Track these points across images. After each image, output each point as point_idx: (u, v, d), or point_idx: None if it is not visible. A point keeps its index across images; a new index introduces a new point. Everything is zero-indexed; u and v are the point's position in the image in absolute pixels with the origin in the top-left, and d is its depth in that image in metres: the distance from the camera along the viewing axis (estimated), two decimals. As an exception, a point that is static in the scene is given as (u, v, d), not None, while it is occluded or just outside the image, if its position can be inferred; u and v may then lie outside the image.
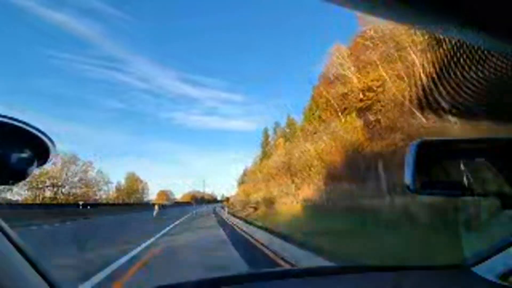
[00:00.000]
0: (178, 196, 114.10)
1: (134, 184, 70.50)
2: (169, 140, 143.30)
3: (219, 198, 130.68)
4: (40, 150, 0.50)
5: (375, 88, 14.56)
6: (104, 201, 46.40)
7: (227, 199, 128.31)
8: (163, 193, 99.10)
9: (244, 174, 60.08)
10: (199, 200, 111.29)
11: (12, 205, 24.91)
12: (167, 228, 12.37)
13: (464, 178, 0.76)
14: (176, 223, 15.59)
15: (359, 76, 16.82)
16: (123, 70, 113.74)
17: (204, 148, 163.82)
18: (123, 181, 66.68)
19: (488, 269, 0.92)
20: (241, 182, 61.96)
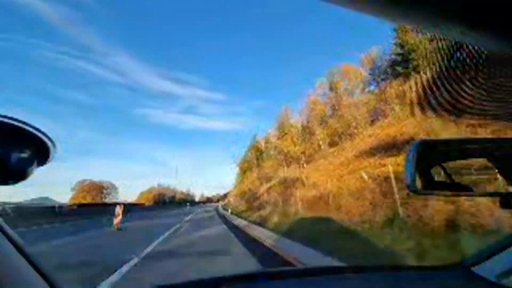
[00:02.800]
0: (133, 196, 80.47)
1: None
2: (144, 138, 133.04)
3: (197, 199, 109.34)
4: (40, 150, 0.50)
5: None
6: None
7: (208, 199, 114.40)
8: (92, 187, 58.40)
9: (256, 148, 38.69)
10: (164, 201, 73.47)
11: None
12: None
13: (464, 178, 0.76)
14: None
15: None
16: (96, 61, 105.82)
17: (182, 148, 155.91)
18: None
19: (488, 269, 0.92)
20: (246, 169, 40.39)
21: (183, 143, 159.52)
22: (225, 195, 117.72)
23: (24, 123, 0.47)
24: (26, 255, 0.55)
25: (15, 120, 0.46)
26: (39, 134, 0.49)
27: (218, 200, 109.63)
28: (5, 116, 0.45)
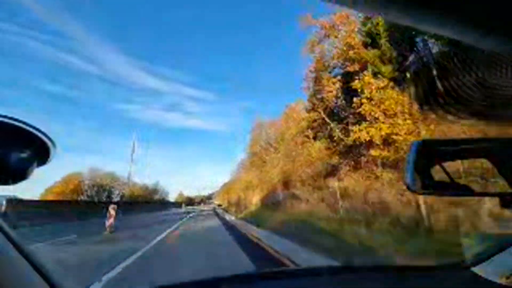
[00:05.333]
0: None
1: None
2: (120, 134, 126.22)
3: (173, 198, 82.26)
4: (40, 150, 0.50)
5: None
6: None
7: (189, 199, 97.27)
8: None
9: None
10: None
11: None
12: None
13: (464, 178, 0.76)
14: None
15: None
16: (71, 50, 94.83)
17: (163, 146, 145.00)
18: None
19: (488, 269, 0.92)
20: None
21: (164, 141, 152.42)
22: (209, 196, 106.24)
23: (24, 123, 0.47)
24: (26, 255, 0.55)
25: (15, 120, 0.46)
26: (39, 134, 0.49)
27: (202, 201, 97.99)
28: (5, 116, 0.45)
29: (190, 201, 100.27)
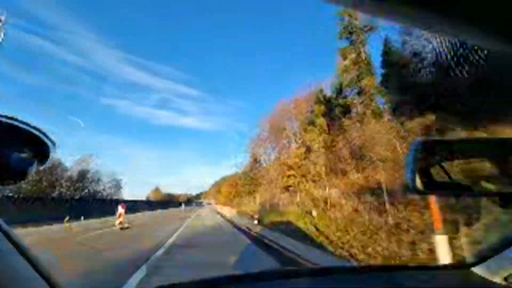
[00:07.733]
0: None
1: None
2: (108, 131, 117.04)
3: (138, 197, 53.98)
4: (40, 150, 0.50)
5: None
6: None
7: (171, 198, 78.57)
8: None
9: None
10: None
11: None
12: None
13: (464, 178, 0.76)
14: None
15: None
16: (55, 39, 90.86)
17: (151, 144, 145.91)
18: None
19: (488, 269, 0.92)
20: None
21: (153, 140, 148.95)
22: (198, 195, 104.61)
23: (24, 123, 0.47)
24: (26, 255, 0.55)
25: (15, 120, 0.46)
26: (39, 134, 0.49)
27: (188, 201, 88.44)
28: (5, 116, 0.45)
29: (169, 199, 77.14)
